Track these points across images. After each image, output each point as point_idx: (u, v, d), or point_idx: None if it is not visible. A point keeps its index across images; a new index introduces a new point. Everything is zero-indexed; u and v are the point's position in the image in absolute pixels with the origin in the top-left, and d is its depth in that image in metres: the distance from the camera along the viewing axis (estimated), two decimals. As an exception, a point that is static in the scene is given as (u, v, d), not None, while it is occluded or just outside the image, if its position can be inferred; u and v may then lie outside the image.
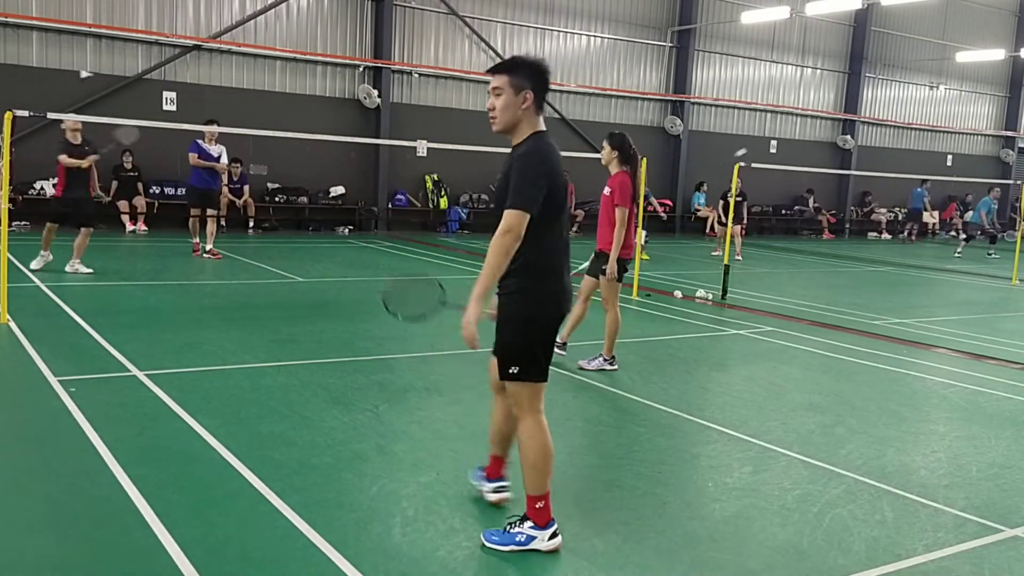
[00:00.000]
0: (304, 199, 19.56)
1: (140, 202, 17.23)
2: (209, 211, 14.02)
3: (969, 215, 25.33)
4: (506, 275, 3.75)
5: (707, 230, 22.77)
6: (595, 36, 23.07)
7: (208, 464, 4.72)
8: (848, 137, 27.92)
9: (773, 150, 26.61)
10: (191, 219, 14.11)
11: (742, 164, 12.66)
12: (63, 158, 10.85)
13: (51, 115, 9.49)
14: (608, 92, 23.38)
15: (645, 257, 15.36)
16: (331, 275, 13.15)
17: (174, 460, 4.76)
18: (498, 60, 21.22)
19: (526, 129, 3.86)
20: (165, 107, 17.74)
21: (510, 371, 3.88)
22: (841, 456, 5.42)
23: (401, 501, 4.34)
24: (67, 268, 11.12)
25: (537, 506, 3.87)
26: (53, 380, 6.14)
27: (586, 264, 7.72)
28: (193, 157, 13.61)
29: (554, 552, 3.85)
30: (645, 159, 10.35)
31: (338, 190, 19.93)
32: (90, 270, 11.10)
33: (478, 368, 7.31)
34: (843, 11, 25.55)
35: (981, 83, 31.22)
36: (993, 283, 16.53)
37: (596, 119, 23.11)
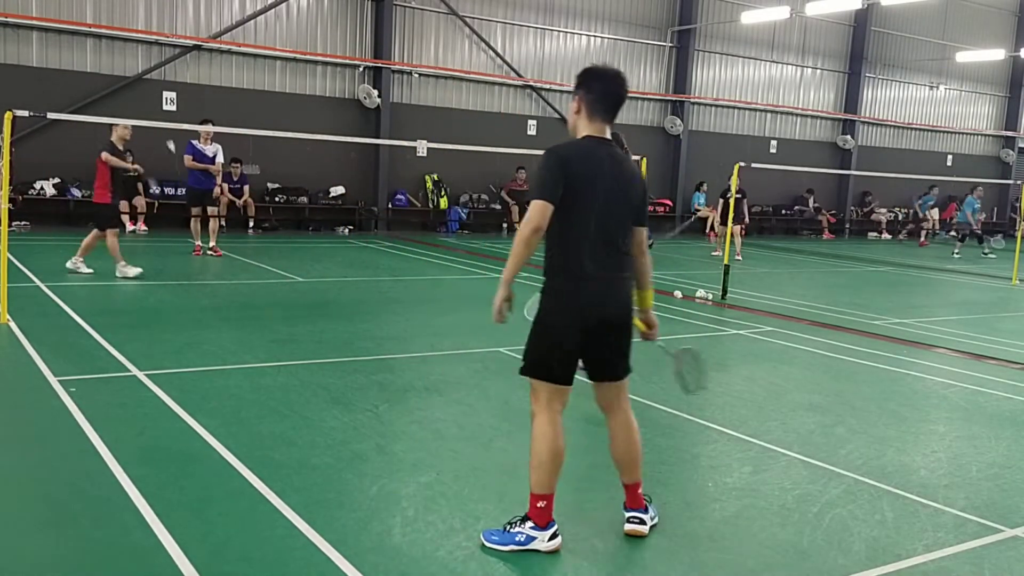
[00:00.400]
0: (304, 199, 19.55)
1: (140, 202, 17.23)
2: (209, 210, 14.03)
3: (957, 216, 25.24)
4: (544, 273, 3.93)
5: (707, 230, 22.75)
6: (595, 36, 23.06)
7: (208, 464, 4.72)
8: (848, 137, 27.91)
9: (773, 150, 26.61)
10: (192, 220, 14.11)
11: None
12: (107, 155, 10.74)
13: (51, 115, 9.48)
14: (608, 92, 23.35)
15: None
16: (331, 275, 13.15)
17: (174, 460, 4.76)
18: (498, 60, 21.47)
19: (581, 132, 3.94)
20: (165, 107, 17.74)
21: (521, 366, 3.95)
22: (841, 456, 5.42)
23: (401, 501, 4.33)
24: (68, 264, 11.10)
25: (539, 505, 3.85)
26: (53, 380, 6.14)
27: None
28: (188, 159, 13.62)
29: (554, 553, 3.85)
30: (645, 159, 10.35)
31: (338, 190, 19.92)
32: (90, 270, 11.09)
33: (478, 368, 7.32)
34: (843, 11, 25.53)
35: (981, 83, 31.21)
36: (993, 283, 16.53)
37: (596, 119, 23.07)
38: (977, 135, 31.80)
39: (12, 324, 7.85)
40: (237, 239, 16.67)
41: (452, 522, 4.12)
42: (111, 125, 11.15)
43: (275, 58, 19.00)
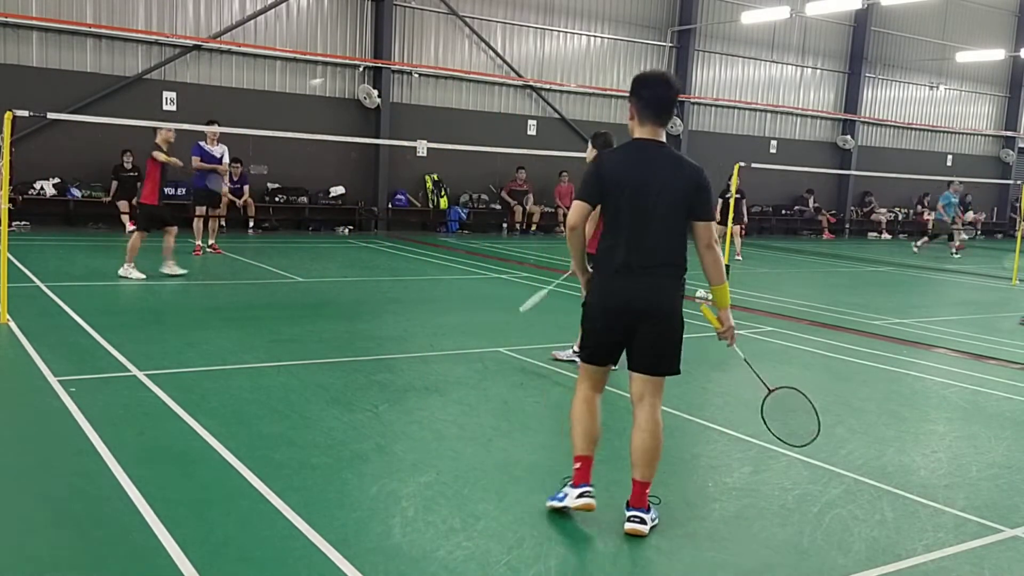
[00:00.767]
0: (304, 199, 19.56)
1: (140, 202, 17.24)
2: (212, 210, 14.06)
3: (933, 215, 24.42)
4: None
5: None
6: (595, 36, 23.07)
7: (208, 464, 4.72)
8: (848, 137, 27.92)
9: (773, 150, 26.61)
10: (195, 219, 14.10)
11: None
12: (157, 153, 10.91)
13: (51, 115, 9.50)
14: (608, 92, 23.37)
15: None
16: (331, 275, 13.16)
17: (174, 460, 4.75)
18: (498, 60, 21.47)
19: (635, 136, 4.22)
20: (165, 107, 17.74)
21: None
22: (841, 456, 5.42)
23: (401, 501, 4.33)
24: (119, 271, 10.99)
25: (576, 466, 4.21)
26: (53, 380, 6.14)
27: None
28: (196, 160, 13.63)
29: (582, 510, 4.13)
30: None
31: (338, 190, 19.93)
32: (142, 275, 10.95)
33: (478, 368, 7.32)
34: (843, 11, 25.55)
35: (981, 83, 31.21)
36: (993, 283, 16.53)
37: (596, 119, 23.08)
38: (977, 135, 31.80)
39: (12, 324, 7.84)
40: (237, 239, 16.67)
41: (452, 522, 4.12)
42: (155, 128, 11.41)
43: (275, 58, 19.01)
